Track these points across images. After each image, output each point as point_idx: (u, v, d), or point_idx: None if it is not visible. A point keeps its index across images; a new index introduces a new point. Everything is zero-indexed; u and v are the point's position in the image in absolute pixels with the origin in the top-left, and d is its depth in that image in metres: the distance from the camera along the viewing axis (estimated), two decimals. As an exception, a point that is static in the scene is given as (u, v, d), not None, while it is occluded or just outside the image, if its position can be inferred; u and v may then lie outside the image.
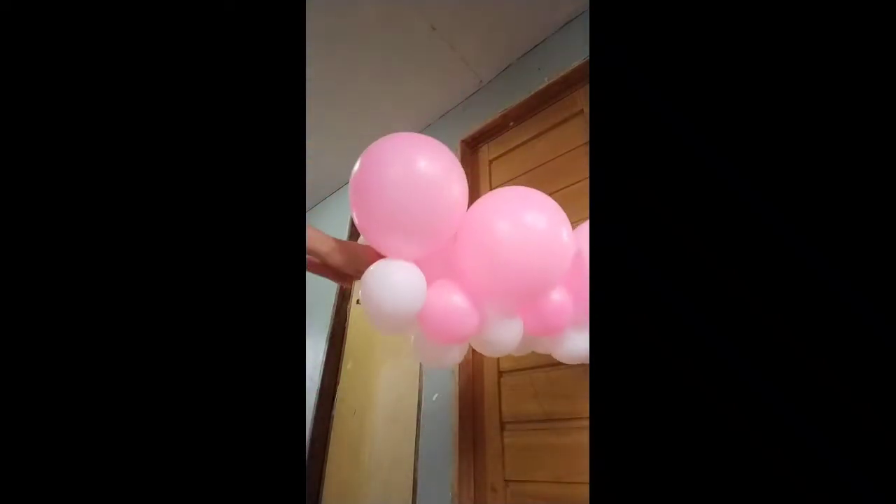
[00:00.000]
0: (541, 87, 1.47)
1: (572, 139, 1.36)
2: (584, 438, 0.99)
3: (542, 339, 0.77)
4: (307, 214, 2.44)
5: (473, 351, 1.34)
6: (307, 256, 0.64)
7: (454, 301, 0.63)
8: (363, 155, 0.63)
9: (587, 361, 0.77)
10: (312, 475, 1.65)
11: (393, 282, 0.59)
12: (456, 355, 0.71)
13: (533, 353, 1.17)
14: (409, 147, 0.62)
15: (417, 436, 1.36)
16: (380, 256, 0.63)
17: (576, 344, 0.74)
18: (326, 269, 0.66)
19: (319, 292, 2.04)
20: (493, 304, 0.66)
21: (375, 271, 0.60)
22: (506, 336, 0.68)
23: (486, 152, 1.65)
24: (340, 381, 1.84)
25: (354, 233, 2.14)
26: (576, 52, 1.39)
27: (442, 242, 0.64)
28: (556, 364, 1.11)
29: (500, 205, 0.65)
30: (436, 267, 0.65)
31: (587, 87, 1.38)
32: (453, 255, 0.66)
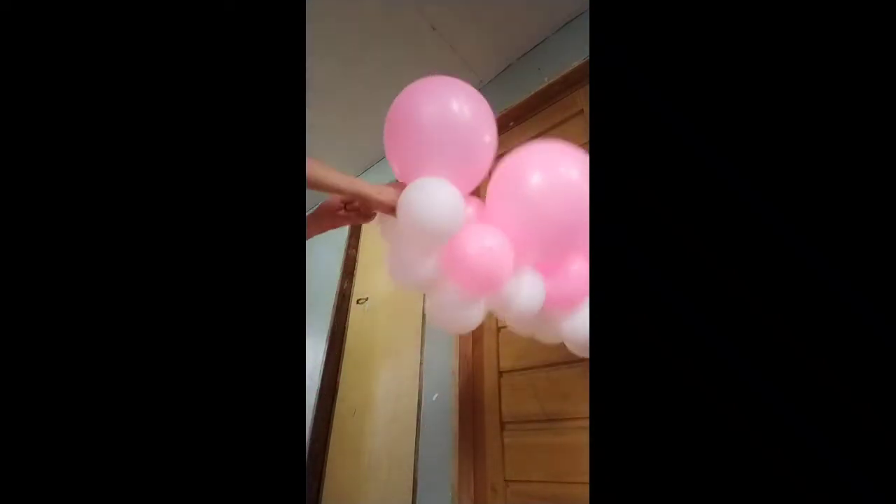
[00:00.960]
0: (541, 87, 1.47)
1: (572, 139, 1.35)
2: (584, 438, 0.99)
3: (558, 314, 0.75)
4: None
5: (473, 351, 1.34)
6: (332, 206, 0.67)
7: (490, 242, 0.61)
8: (399, 96, 0.66)
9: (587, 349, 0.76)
10: (312, 475, 1.65)
11: (436, 196, 0.59)
12: (475, 314, 0.68)
13: (533, 351, 1.17)
14: (443, 88, 0.65)
15: (417, 436, 1.36)
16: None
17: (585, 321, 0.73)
18: (356, 215, 0.68)
19: (319, 292, 2.04)
20: (525, 254, 0.64)
21: (418, 185, 0.60)
22: (530, 293, 0.66)
23: (486, 152, 1.64)
24: (340, 381, 1.84)
25: (354, 231, 2.14)
26: (576, 52, 1.39)
27: (475, 180, 0.65)
28: (556, 364, 1.11)
29: (533, 157, 0.65)
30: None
31: (587, 87, 1.38)
32: (484, 208, 0.65)
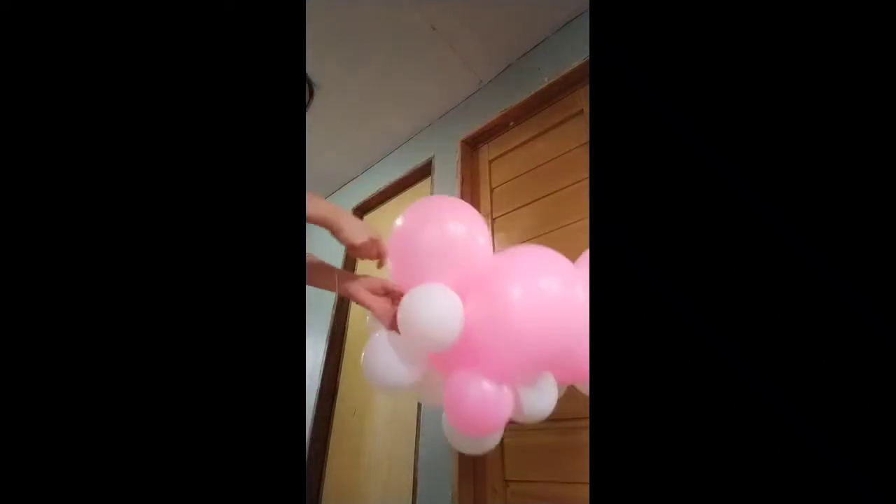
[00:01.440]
0: (541, 87, 1.46)
1: (572, 139, 1.36)
2: (584, 438, 0.99)
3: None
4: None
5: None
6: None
7: (482, 388, 0.59)
8: (403, 216, 0.72)
9: None
10: (312, 475, 1.65)
11: (433, 302, 0.60)
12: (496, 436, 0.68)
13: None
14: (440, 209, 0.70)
15: (417, 436, 1.36)
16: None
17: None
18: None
19: (319, 292, 2.04)
20: (519, 378, 0.63)
21: (415, 293, 0.61)
22: (546, 400, 0.66)
23: (486, 152, 1.65)
24: (340, 381, 1.84)
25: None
26: (576, 52, 1.39)
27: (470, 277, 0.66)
28: (556, 364, 1.11)
29: (513, 270, 0.63)
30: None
31: (587, 87, 1.38)
32: (468, 344, 0.62)
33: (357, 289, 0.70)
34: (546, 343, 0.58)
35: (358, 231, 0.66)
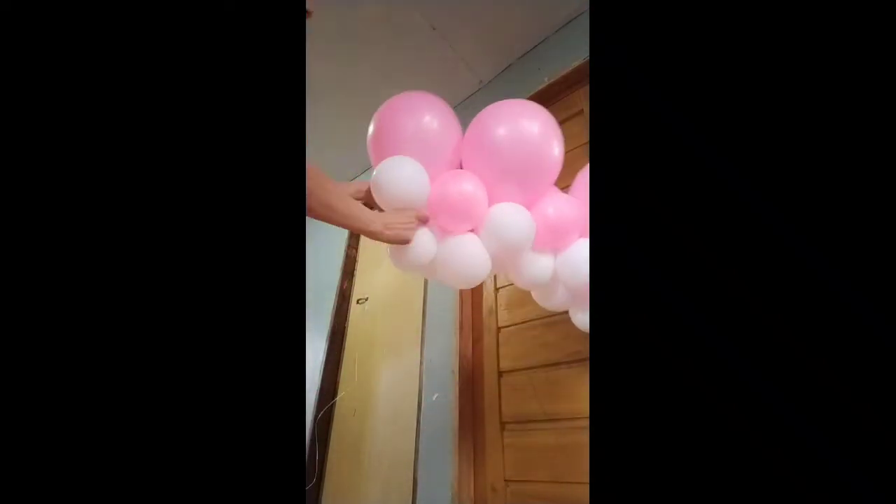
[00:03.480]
0: (541, 87, 1.46)
1: (572, 139, 1.36)
2: (584, 438, 0.99)
3: (551, 253, 0.80)
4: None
5: (474, 351, 1.34)
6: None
7: (465, 184, 0.71)
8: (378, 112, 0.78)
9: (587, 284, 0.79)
10: (312, 475, 1.65)
11: (400, 172, 0.69)
12: (479, 263, 0.72)
13: (533, 351, 1.17)
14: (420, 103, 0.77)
15: (417, 436, 1.36)
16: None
17: (580, 254, 0.77)
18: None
19: (319, 292, 2.05)
20: (502, 190, 0.73)
21: (384, 166, 0.69)
22: (515, 218, 0.72)
23: (487, 152, 1.65)
24: (340, 381, 1.84)
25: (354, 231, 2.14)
26: (576, 52, 1.39)
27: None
28: (556, 364, 1.11)
29: (496, 113, 0.76)
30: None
31: (587, 87, 1.38)
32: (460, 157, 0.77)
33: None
34: (516, 158, 0.73)
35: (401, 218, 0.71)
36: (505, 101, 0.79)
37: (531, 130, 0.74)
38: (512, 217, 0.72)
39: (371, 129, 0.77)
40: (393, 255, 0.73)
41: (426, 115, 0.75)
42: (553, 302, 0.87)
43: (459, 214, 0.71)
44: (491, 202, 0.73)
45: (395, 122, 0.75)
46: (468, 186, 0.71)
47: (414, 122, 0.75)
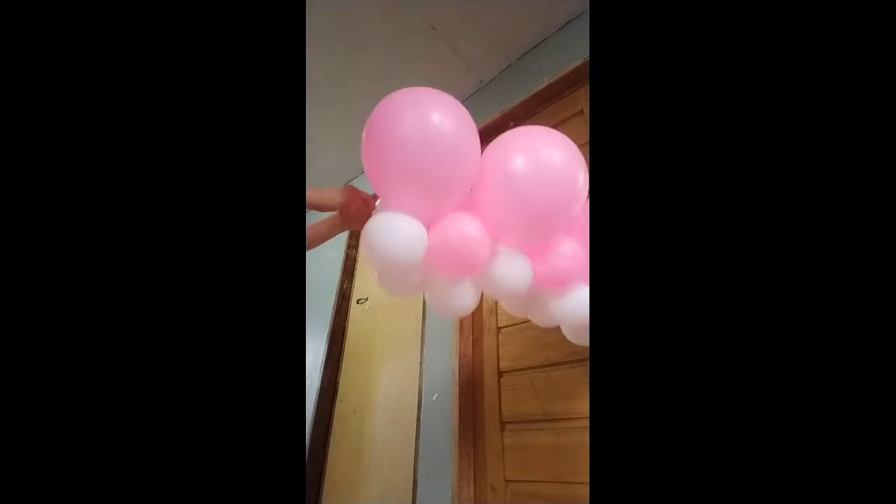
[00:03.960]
0: (541, 87, 1.46)
1: (572, 139, 1.36)
2: (584, 438, 0.99)
3: (550, 295, 0.76)
4: (307, 213, 2.44)
5: (474, 351, 1.34)
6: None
7: (467, 229, 0.63)
8: (377, 108, 0.63)
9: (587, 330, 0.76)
10: (312, 475, 1.65)
11: (395, 231, 0.60)
12: (468, 299, 0.70)
13: (533, 351, 1.17)
14: (423, 100, 0.63)
15: (417, 436, 1.36)
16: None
17: (581, 299, 0.72)
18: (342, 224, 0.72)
19: (319, 292, 2.04)
20: (509, 235, 0.66)
21: (376, 222, 0.62)
22: (515, 271, 0.67)
23: (487, 152, 1.64)
24: (340, 381, 1.84)
25: (355, 233, 2.14)
26: (576, 52, 1.39)
27: (455, 198, 0.64)
28: (556, 364, 1.11)
29: (516, 141, 0.67)
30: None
31: (587, 87, 1.38)
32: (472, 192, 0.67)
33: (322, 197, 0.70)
34: (535, 199, 0.63)
35: (333, 197, 0.69)
36: (533, 128, 0.69)
37: (562, 179, 0.63)
38: (510, 269, 0.67)
39: (365, 134, 0.64)
40: (381, 281, 0.71)
41: (436, 117, 0.60)
42: (545, 322, 0.86)
43: (460, 267, 0.65)
44: (493, 239, 0.67)
45: (397, 132, 0.60)
46: (473, 234, 0.63)
47: (421, 127, 0.59)
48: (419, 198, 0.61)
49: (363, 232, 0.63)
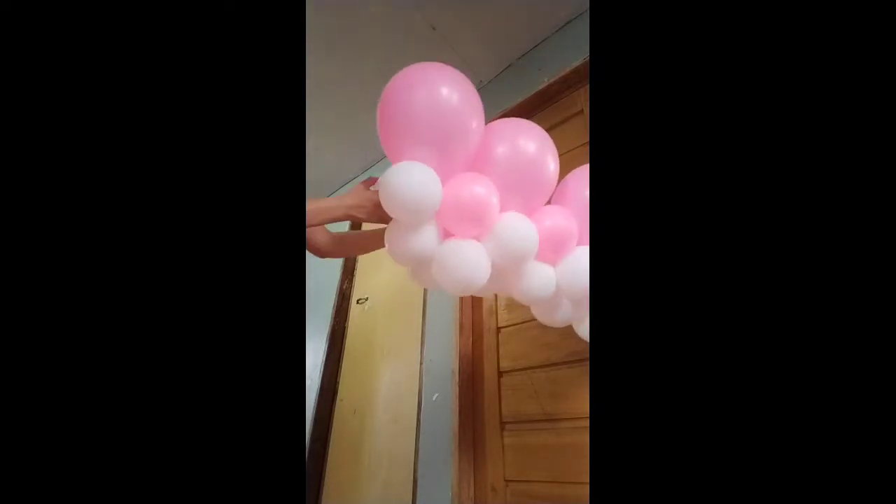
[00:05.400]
0: (541, 87, 1.46)
1: (572, 139, 1.36)
2: (584, 438, 0.99)
3: (552, 262, 0.80)
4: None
5: (473, 351, 1.34)
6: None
7: (478, 187, 0.69)
8: (392, 80, 0.75)
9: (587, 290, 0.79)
10: (312, 475, 1.65)
11: (413, 173, 0.66)
12: (481, 269, 0.71)
13: (533, 351, 1.17)
14: (434, 74, 0.75)
15: (417, 436, 1.36)
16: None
17: (580, 262, 0.78)
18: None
19: (319, 292, 2.04)
20: (508, 200, 0.74)
21: (395, 169, 0.66)
22: (524, 231, 0.72)
23: (487, 152, 1.64)
24: (340, 381, 1.84)
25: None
26: (576, 52, 1.39)
27: (461, 158, 0.73)
28: (556, 364, 1.11)
29: (502, 131, 0.79)
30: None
31: (587, 87, 1.38)
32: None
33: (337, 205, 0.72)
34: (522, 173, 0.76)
35: (352, 197, 0.71)
36: (503, 119, 0.83)
37: (528, 148, 0.77)
38: (519, 226, 0.72)
39: (380, 106, 0.74)
40: (391, 247, 0.72)
41: (445, 92, 0.73)
42: (555, 317, 0.86)
43: (471, 219, 0.70)
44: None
45: (410, 99, 0.72)
46: (482, 191, 0.69)
47: (431, 99, 0.72)
48: (430, 157, 0.68)
49: (382, 180, 0.66)
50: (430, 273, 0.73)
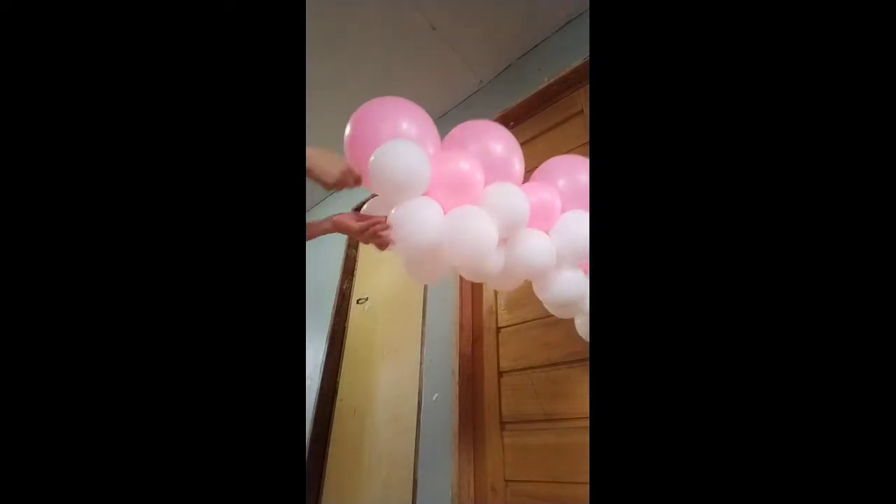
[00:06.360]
0: (541, 87, 1.46)
1: (572, 139, 1.36)
2: (584, 438, 0.99)
3: (545, 231, 0.83)
4: (307, 214, 2.44)
5: (473, 351, 1.34)
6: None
7: (461, 162, 0.74)
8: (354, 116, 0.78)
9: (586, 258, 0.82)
10: (312, 475, 1.65)
11: (403, 155, 0.68)
12: (487, 239, 0.72)
13: (533, 351, 1.17)
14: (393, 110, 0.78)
15: (417, 436, 1.36)
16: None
17: (569, 225, 0.82)
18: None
19: (319, 292, 2.04)
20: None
21: (385, 149, 0.68)
22: (516, 196, 0.75)
23: (487, 152, 1.64)
24: (340, 381, 1.84)
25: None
26: (576, 52, 1.39)
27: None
28: (556, 364, 1.11)
29: (471, 130, 0.84)
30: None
31: (587, 87, 1.38)
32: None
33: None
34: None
35: (329, 167, 0.72)
36: (471, 121, 0.87)
37: (496, 149, 0.81)
38: (509, 190, 0.76)
39: (348, 130, 0.78)
40: (397, 231, 0.72)
41: (403, 122, 0.77)
42: (555, 293, 0.86)
43: (460, 188, 0.73)
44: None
45: (373, 126, 0.76)
46: (465, 164, 0.73)
47: (391, 127, 0.75)
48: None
49: (372, 161, 0.69)
50: (436, 254, 0.74)
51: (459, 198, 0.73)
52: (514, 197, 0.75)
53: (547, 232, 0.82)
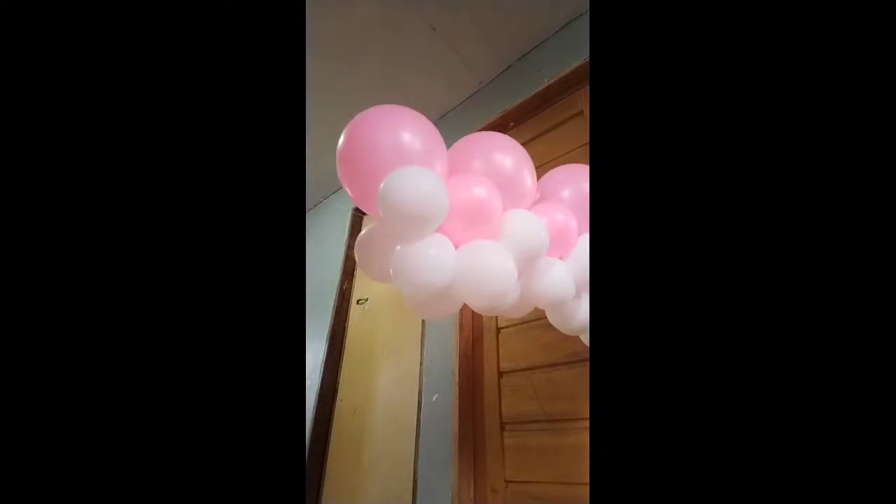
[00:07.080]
0: (541, 87, 1.46)
1: (572, 139, 1.36)
2: (584, 438, 0.99)
3: (559, 257, 0.78)
4: (307, 214, 2.44)
5: (474, 351, 1.34)
6: None
7: (477, 189, 0.66)
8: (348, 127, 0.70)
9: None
10: (312, 475, 1.65)
11: (421, 186, 0.59)
12: (506, 276, 0.64)
13: (533, 352, 1.17)
14: (394, 118, 0.70)
15: (417, 436, 1.36)
16: None
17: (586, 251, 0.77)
18: None
19: (319, 292, 2.04)
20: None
21: (398, 176, 0.59)
22: (532, 224, 0.69)
23: (486, 152, 1.64)
24: (340, 381, 1.84)
25: (354, 232, 2.14)
26: (576, 52, 1.39)
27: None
28: (556, 364, 1.11)
29: (480, 143, 0.80)
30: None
31: (587, 88, 1.38)
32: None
33: None
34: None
35: None
36: (478, 133, 0.83)
37: (505, 162, 0.76)
38: (528, 221, 0.68)
39: (342, 142, 0.68)
40: (400, 275, 0.63)
41: (406, 134, 0.69)
42: (571, 325, 0.82)
43: (479, 219, 0.65)
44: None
45: (373, 139, 0.67)
46: (482, 189, 0.65)
47: (392, 138, 0.67)
48: None
49: (382, 190, 0.59)
50: (447, 296, 0.66)
51: (475, 229, 0.65)
52: (532, 227, 0.67)
53: (563, 258, 0.76)
